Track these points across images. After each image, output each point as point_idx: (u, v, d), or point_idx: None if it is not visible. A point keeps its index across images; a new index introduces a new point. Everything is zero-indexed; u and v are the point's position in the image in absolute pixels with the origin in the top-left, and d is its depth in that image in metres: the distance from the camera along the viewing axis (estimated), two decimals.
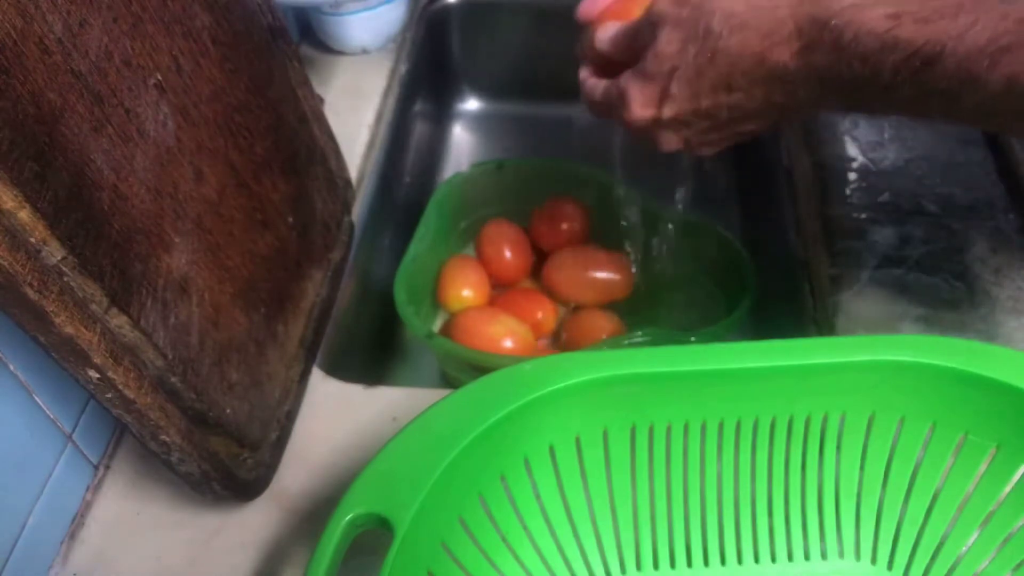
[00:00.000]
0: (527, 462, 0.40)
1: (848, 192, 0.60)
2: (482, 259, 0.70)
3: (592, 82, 0.48)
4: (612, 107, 0.46)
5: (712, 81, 0.41)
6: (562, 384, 0.38)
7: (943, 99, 0.35)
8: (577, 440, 0.41)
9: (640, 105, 0.44)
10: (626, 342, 0.59)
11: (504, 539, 0.40)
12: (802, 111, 0.44)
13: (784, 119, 0.46)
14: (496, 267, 0.69)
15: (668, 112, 0.43)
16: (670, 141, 0.46)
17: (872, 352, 0.39)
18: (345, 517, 0.34)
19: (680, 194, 0.63)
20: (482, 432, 0.37)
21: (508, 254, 0.69)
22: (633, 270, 0.67)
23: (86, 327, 0.33)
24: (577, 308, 0.68)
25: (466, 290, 0.66)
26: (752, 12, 0.39)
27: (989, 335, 0.51)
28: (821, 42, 0.37)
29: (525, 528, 0.41)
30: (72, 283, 0.33)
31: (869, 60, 0.36)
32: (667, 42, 0.42)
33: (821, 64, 0.38)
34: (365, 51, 0.77)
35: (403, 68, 0.78)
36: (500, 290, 0.69)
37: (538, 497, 0.41)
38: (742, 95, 0.41)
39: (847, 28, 0.36)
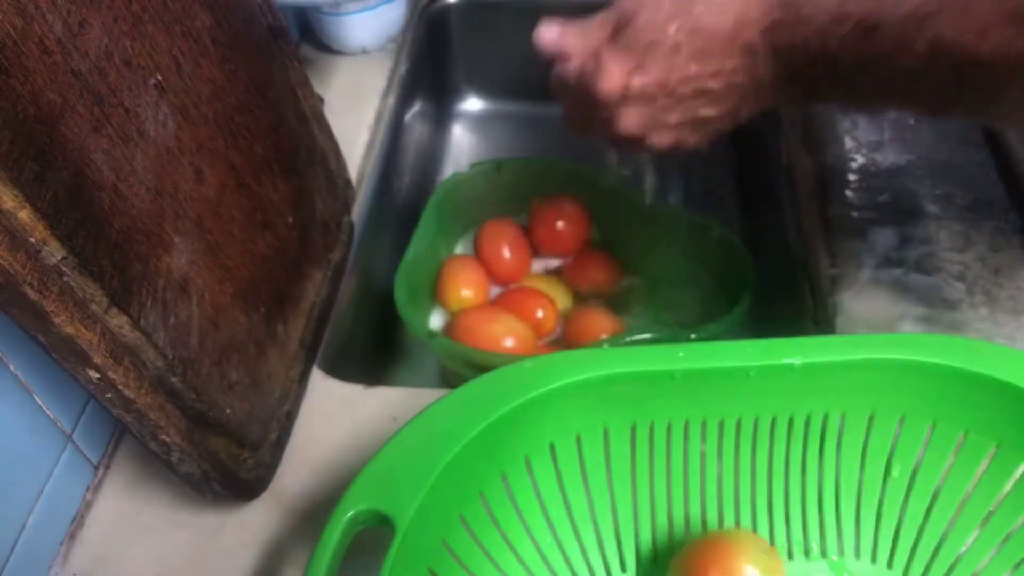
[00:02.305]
0: (528, 460, 0.40)
1: (848, 192, 0.60)
2: (481, 259, 0.70)
3: (564, 66, 0.49)
4: (583, 79, 0.47)
5: (686, 56, 0.44)
6: (563, 382, 0.38)
7: (881, 69, 0.39)
8: (578, 438, 0.41)
9: (614, 74, 0.45)
10: (626, 340, 0.59)
11: (505, 537, 0.40)
12: (761, 98, 0.45)
13: (742, 110, 0.46)
14: (495, 266, 0.69)
15: (637, 82, 0.45)
16: (629, 119, 0.46)
17: (872, 351, 0.39)
18: (346, 514, 0.34)
19: (648, 183, 0.63)
20: (483, 430, 0.37)
21: (507, 253, 0.69)
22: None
23: (86, 327, 0.33)
24: (577, 306, 0.68)
25: (466, 290, 0.66)
26: None
27: (989, 335, 0.51)
28: (783, 21, 0.41)
29: (525, 526, 0.41)
30: (72, 283, 0.33)
31: (821, 33, 0.40)
32: (649, 19, 0.44)
33: (781, 42, 0.42)
34: (365, 51, 0.77)
35: (403, 68, 0.78)
36: (500, 289, 0.69)
37: (538, 495, 0.41)
38: (710, 72, 0.44)
39: (804, 5, 0.41)
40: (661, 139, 0.48)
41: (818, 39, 0.40)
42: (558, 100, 0.52)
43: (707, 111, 0.46)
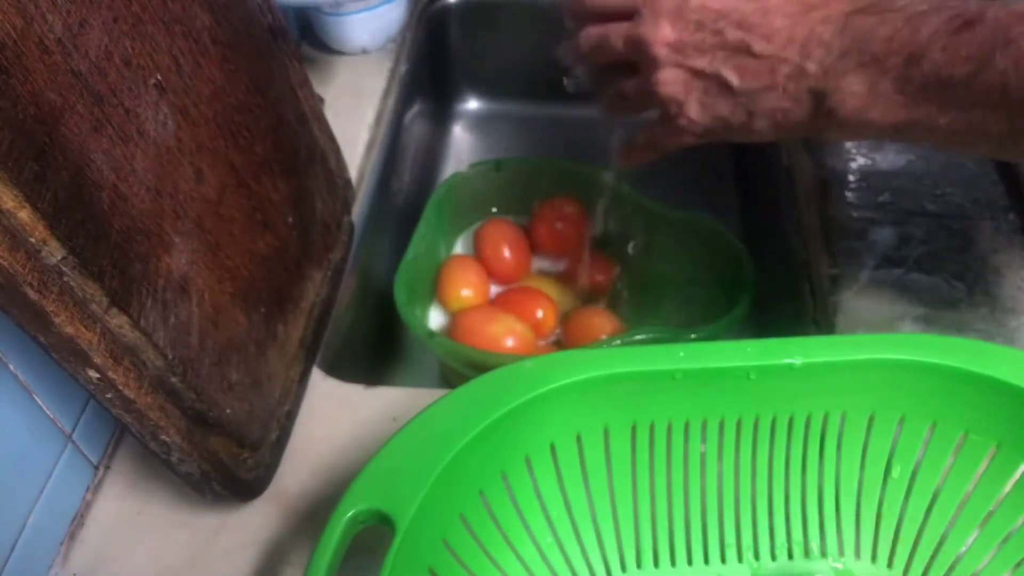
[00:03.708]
0: (528, 460, 0.40)
1: (848, 192, 0.60)
2: (481, 258, 0.70)
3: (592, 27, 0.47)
4: (627, 21, 0.45)
5: (755, 4, 0.41)
6: (563, 382, 0.38)
7: (966, 70, 0.36)
8: (578, 438, 0.41)
9: (664, 12, 0.43)
10: (626, 340, 0.59)
11: (505, 536, 0.40)
12: (788, 106, 0.42)
13: (760, 117, 0.43)
14: (495, 266, 0.69)
15: (697, 3, 0.42)
16: (662, 32, 0.43)
17: (872, 351, 0.39)
18: (347, 513, 0.34)
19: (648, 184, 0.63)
20: (483, 429, 0.37)
21: (507, 254, 0.69)
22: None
23: (86, 327, 0.33)
24: (577, 306, 0.68)
25: (466, 290, 0.66)
26: None
27: (989, 335, 0.51)
28: (877, 6, 0.39)
29: (526, 525, 0.41)
30: (72, 283, 0.33)
31: (912, 20, 0.37)
32: None
33: (862, 27, 0.39)
34: (365, 51, 0.77)
35: (403, 68, 0.78)
36: (500, 289, 0.69)
37: (539, 495, 0.41)
38: (766, 30, 0.41)
39: None
40: (671, 82, 0.44)
41: (906, 29, 0.37)
42: (585, 66, 0.50)
43: (732, 78, 0.42)
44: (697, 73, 0.43)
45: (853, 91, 0.39)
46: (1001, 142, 0.38)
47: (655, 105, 0.46)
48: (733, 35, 0.42)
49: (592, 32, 0.47)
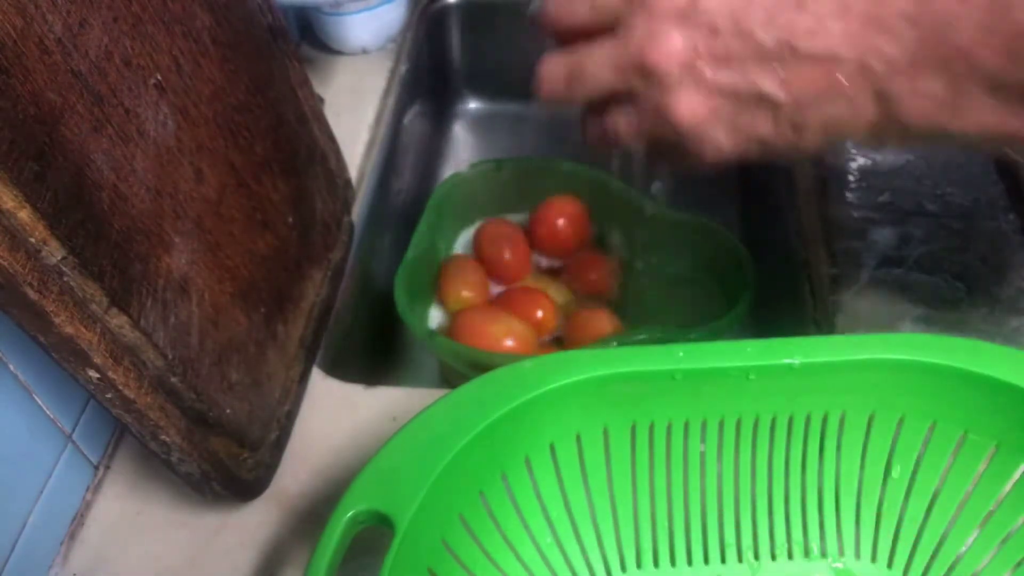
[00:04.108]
0: (528, 460, 0.40)
1: (848, 192, 0.60)
2: (481, 259, 0.70)
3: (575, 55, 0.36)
4: (607, 37, 0.34)
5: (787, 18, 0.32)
6: (563, 382, 0.38)
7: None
8: (578, 438, 0.41)
9: (676, 39, 0.33)
10: (620, 341, 0.59)
11: (505, 537, 0.40)
12: (860, 96, 0.32)
13: (837, 103, 0.33)
14: (495, 266, 0.69)
15: (711, 49, 0.32)
16: (690, 104, 0.33)
17: (872, 351, 0.39)
18: (346, 514, 0.34)
19: (657, 186, 0.63)
20: (483, 430, 0.37)
21: (507, 254, 0.69)
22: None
23: (86, 327, 0.33)
24: (577, 306, 0.68)
25: (466, 290, 0.66)
26: None
27: (989, 335, 0.51)
28: None
29: (526, 526, 0.41)
30: (72, 283, 0.33)
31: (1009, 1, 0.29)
32: None
33: (940, 8, 0.30)
34: (365, 51, 0.77)
35: (403, 68, 0.78)
36: (500, 289, 0.69)
37: (539, 495, 0.41)
38: (810, 19, 0.31)
39: None
40: (719, 142, 0.34)
41: (1002, 9, 0.29)
42: (550, 95, 0.38)
43: (764, 121, 0.33)
44: (725, 91, 0.33)
45: (930, 94, 0.31)
46: None
47: (668, 139, 0.35)
48: (766, 35, 0.32)
49: (560, 63, 0.36)
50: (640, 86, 0.34)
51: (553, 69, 0.36)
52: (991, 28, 0.29)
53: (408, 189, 0.78)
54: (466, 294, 0.66)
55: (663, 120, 0.34)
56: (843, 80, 0.32)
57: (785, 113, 0.33)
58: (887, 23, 0.31)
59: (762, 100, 0.33)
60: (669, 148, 0.36)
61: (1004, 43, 0.29)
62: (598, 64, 0.35)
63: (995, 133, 0.32)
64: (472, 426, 0.37)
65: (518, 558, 0.41)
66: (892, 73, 0.31)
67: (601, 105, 0.36)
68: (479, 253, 0.71)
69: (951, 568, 0.41)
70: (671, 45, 0.33)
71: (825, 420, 0.41)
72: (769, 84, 0.33)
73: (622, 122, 0.36)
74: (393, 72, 0.76)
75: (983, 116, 0.31)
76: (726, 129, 0.34)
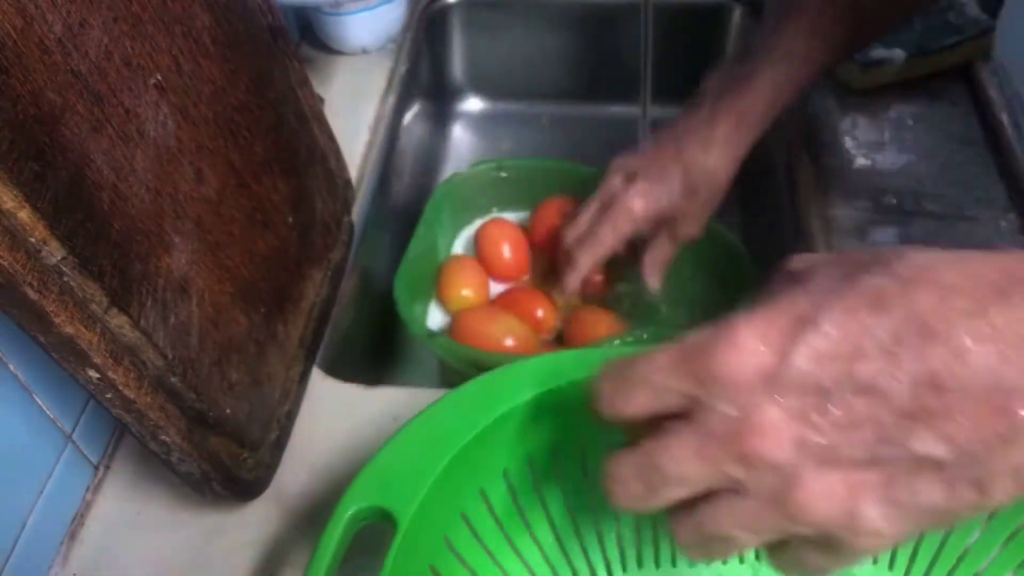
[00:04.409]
0: (529, 458, 0.40)
1: (848, 192, 0.60)
2: (481, 259, 0.70)
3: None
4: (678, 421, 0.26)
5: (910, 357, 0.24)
6: (565, 381, 0.38)
7: None
8: (579, 436, 0.41)
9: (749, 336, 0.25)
10: (621, 341, 0.59)
11: (506, 535, 0.40)
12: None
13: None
14: (495, 266, 0.69)
15: (805, 349, 0.24)
16: (821, 494, 0.25)
17: None
18: (348, 510, 0.34)
19: None
20: (485, 428, 0.37)
21: (507, 254, 0.69)
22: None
23: (86, 327, 0.33)
24: (577, 306, 0.68)
25: (466, 290, 0.66)
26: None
27: None
28: None
29: (527, 524, 0.41)
30: (72, 283, 0.33)
31: None
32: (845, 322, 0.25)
33: None
34: (365, 51, 0.77)
35: (403, 68, 0.78)
36: (500, 289, 0.69)
37: (540, 494, 0.41)
38: (951, 346, 0.24)
39: None
40: (830, 501, 0.25)
41: None
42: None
43: (929, 487, 0.24)
44: (862, 463, 0.25)
45: None
46: None
47: (806, 536, 0.26)
48: (895, 383, 0.24)
49: (631, 464, 0.28)
50: (748, 479, 0.25)
51: (624, 472, 0.28)
52: None
53: (408, 189, 0.78)
54: (466, 293, 0.66)
55: (791, 517, 0.25)
56: (1020, 409, 0.23)
57: (957, 471, 0.24)
58: None
59: (920, 464, 0.24)
60: (811, 547, 0.27)
61: None
62: (679, 461, 0.26)
63: None
64: (474, 424, 0.37)
65: (519, 556, 0.41)
66: None
67: (692, 501, 0.27)
68: (479, 253, 0.71)
69: (952, 569, 0.41)
70: (772, 423, 0.25)
71: None
72: (919, 440, 0.24)
73: (727, 521, 0.27)
74: (393, 72, 0.76)
75: None
76: (880, 508, 0.25)
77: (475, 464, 0.37)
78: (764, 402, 0.25)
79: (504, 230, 0.70)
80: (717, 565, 0.43)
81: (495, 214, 0.72)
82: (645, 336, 0.58)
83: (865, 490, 0.25)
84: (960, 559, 0.41)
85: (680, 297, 0.67)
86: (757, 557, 0.43)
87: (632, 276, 0.69)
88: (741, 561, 0.43)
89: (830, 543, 0.26)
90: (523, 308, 0.64)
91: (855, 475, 0.25)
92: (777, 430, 0.25)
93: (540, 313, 0.65)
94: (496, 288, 0.69)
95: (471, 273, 0.68)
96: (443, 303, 0.67)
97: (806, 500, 0.25)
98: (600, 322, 0.64)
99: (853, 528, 0.25)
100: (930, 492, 0.24)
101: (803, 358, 0.24)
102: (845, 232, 0.57)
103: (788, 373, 0.24)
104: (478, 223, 0.72)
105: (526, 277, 0.70)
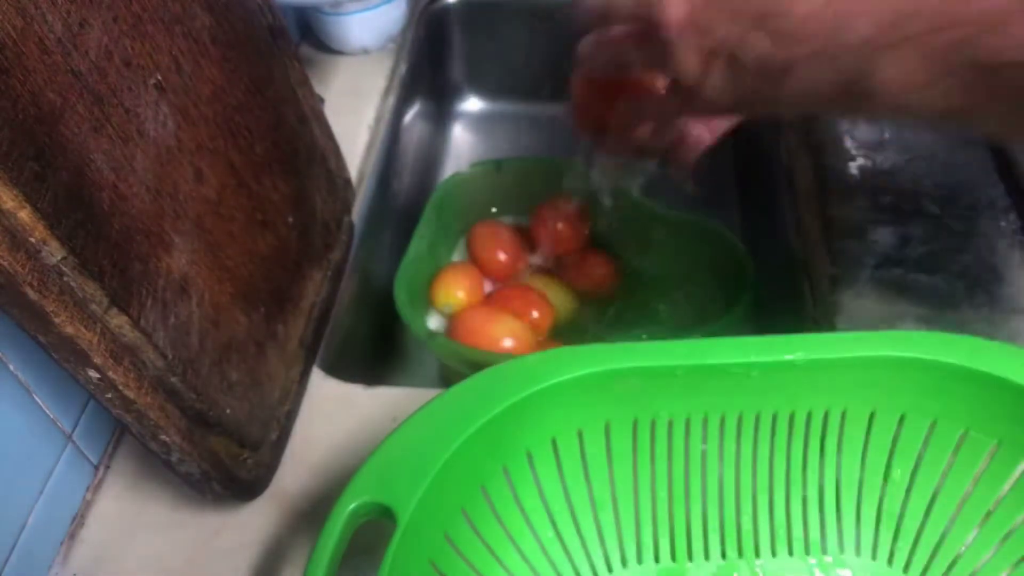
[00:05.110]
0: (529, 455, 0.40)
1: (848, 192, 0.60)
2: (475, 261, 0.70)
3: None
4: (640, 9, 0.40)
5: None
6: (565, 377, 0.39)
7: None
8: (579, 433, 0.41)
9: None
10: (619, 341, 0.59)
11: (506, 531, 0.40)
12: (832, 68, 0.36)
13: (811, 72, 0.36)
14: (490, 268, 0.69)
15: None
16: (677, 8, 0.38)
17: (874, 347, 0.39)
18: (349, 506, 0.34)
19: (649, 184, 0.63)
20: (485, 424, 0.37)
21: (502, 256, 0.69)
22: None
23: (86, 327, 0.33)
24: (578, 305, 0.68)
25: (460, 291, 0.66)
26: None
27: (989, 335, 0.51)
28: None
29: (527, 520, 0.41)
30: (72, 283, 0.33)
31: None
32: None
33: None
34: (365, 51, 0.77)
35: (403, 68, 0.78)
36: (495, 288, 0.69)
37: (540, 490, 0.41)
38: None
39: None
40: (690, 58, 0.39)
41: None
42: (579, 75, 0.48)
43: (761, 44, 0.36)
44: (716, 48, 0.38)
45: (894, 72, 0.34)
46: None
47: (666, 73, 0.42)
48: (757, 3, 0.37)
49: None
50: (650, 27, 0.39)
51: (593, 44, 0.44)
52: (952, 14, 0.32)
53: (408, 189, 0.78)
54: (460, 295, 0.66)
55: (654, 19, 0.39)
56: (813, 51, 0.35)
57: (767, 74, 0.37)
58: (863, 4, 0.34)
59: (747, 57, 0.37)
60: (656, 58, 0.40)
61: (961, 30, 0.32)
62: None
63: (956, 110, 0.34)
64: (474, 420, 0.37)
65: (519, 552, 0.41)
66: (861, 50, 0.34)
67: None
68: (473, 256, 0.71)
69: (951, 565, 0.41)
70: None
71: (826, 417, 0.41)
72: (750, 48, 0.37)
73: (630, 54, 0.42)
74: (393, 72, 0.76)
75: (943, 95, 0.34)
76: (718, 79, 0.39)
77: (476, 460, 0.38)
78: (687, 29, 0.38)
79: (496, 232, 0.71)
80: (716, 560, 0.43)
81: (495, 214, 0.72)
82: (644, 336, 0.58)
83: (712, 64, 0.38)
84: (959, 555, 0.41)
85: (680, 297, 0.67)
86: (757, 553, 0.43)
87: (632, 275, 0.69)
88: (740, 556, 0.43)
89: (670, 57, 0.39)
90: (519, 309, 0.64)
91: (712, 53, 0.38)
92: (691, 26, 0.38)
93: (535, 314, 0.65)
94: (491, 288, 0.69)
95: (463, 278, 0.68)
96: (437, 307, 0.67)
97: (676, 56, 0.38)
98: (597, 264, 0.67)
99: (698, 81, 0.39)
100: (748, 81, 0.38)
101: None
102: (845, 232, 0.57)
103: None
104: (478, 223, 0.72)
105: (520, 275, 0.70)
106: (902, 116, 0.40)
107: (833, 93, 0.37)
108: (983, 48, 0.32)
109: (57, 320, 0.32)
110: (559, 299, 0.67)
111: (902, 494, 0.42)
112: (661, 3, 0.39)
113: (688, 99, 0.41)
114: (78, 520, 0.46)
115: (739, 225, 0.80)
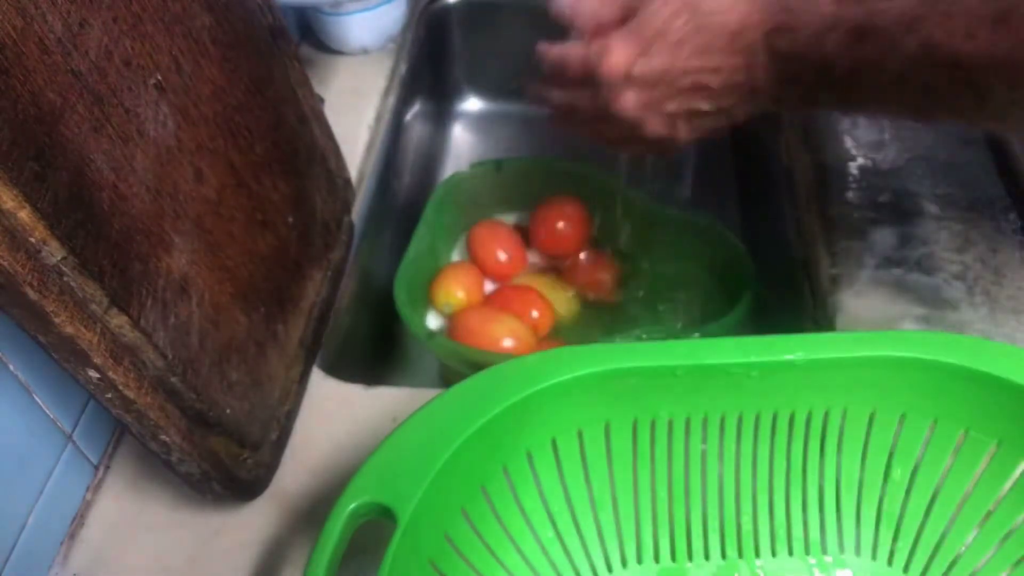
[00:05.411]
0: (529, 455, 0.40)
1: (848, 192, 0.60)
2: (475, 261, 0.70)
3: (564, 48, 0.50)
4: (589, 58, 0.48)
5: (689, 50, 0.45)
6: (565, 377, 0.39)
7: (873, 73, 0.41)
8: (579, 433, 0.41)
9: (620, 56, 0.46)
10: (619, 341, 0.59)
11: (506, 530, 0.40)
12: (757, 100, 0.46)
13: (738, 109, 0.47)
14: (490, 268, 0.69)
15: (640, 68, 0.46)
16: (628, 100, 0.47)
17: (874, 348, 0.39)
18: (349, 506, 0.34)
19: (649, 183, 0.63)
20: (485, 424, 0.37)
21: (502, 256, 0.69)
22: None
23: (86, 327, 0.33)
24: (579, 305, 0.68)
25: (460, 291, 0.66)
26: None
27: (989, 335, 0.51)
28: (783, 25, 0.43)
29: (527, 520, 0.41)
30: (72, 283, 0.33)
31: (817, 37, 0.42)
32: (658, 9, 0.46)
33: (780, 46, 0.43)
34: (365, 51, 0.77)
35: (403, 68, 0.78)
36: (495, 288, 0.69)
37: (540, 489, 0.41)
38: (711, 67, 0.45)
39: (802, 12, 0.43)
40: (655, 126, 0.48)
41: (814, 44, 0.42)
42: (549, 90, 0.53)
43: (704, 105, 0.47)
44: (669, 114, 0.48)
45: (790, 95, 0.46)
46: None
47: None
48: (686, 82, 0.46)
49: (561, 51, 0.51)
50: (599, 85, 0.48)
51: (554, 63, 0.52)
52: (811, 57, 0.43)
53: (408, 189, 0.78)
54: (460, 295, 0.66)
55: (609, 107, 0.47)
56: (741, 97, 0.47)
57: (678, 121, 0.48)
58: (759, 60, 0.45)
59: (664, 112, 0.48)
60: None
61: (817, 61, 0.43)
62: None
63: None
64: (474, 420, 0.37)
65: (519, 552, 0.41)
66: (767, 87, 0.45)
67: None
68: (472, 256, 0.71)
69: (951, 565, 0.41)
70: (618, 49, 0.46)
71: (826, 417, 0.41)
72: (670, 106, 0.47)
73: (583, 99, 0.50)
74: (393, 72, 0.76)
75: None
76: (651, 120, 0.48)
77: (475, 460, 0.38)
78: (626, 83, 0.47)
79: (496, 232, 0.71)
80: (716, 560, 0.43)
81: (495, 214, 0.72)
82: (644, 336, 0.58)
83: (645, 110, 0.47)
84: (959, 555, 0.41)
85: (680, 297, 0.67)
86: (757, 553, 0.43)
87: (632, 274, 0.69)
88: (740, 556, 0.43)
89: (631, 131, 0.49)
90: (518, 308, 0.64)
91: (646, 103, 0.47)
92: (629, 89, 0.47)
93: (535, 314, 0.65)
94: (491, 288, 0.69)
95: (463, 275, 0.68)
96: (436, 308, 0.67)
97: (622, 103, 0.47)
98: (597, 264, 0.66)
99: (639, 123, 0.48)
100: (660, 125, 0.48)
101: (642, 68, 0.46)
102: (845, 232, 0.57)
103: (634, 74, 0.46)
104: (478, 223, 0.72)
105: (521, 274, 0.70)
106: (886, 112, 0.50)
107: (759, 109, 0.47)
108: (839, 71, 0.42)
109: (57, 320, 0.32)
110: (559, 299, 0.67)
111: (902, 494, 0.42)
112: (605, 53, 0.46)
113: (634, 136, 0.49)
114: (78, 520, 0.46)
115: (739, 225, 0.80)
